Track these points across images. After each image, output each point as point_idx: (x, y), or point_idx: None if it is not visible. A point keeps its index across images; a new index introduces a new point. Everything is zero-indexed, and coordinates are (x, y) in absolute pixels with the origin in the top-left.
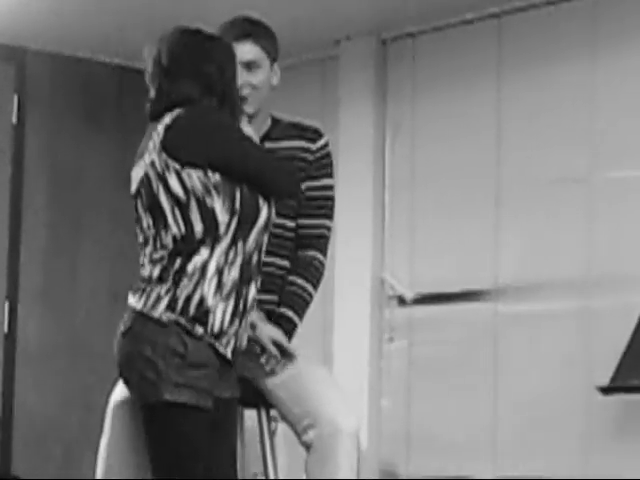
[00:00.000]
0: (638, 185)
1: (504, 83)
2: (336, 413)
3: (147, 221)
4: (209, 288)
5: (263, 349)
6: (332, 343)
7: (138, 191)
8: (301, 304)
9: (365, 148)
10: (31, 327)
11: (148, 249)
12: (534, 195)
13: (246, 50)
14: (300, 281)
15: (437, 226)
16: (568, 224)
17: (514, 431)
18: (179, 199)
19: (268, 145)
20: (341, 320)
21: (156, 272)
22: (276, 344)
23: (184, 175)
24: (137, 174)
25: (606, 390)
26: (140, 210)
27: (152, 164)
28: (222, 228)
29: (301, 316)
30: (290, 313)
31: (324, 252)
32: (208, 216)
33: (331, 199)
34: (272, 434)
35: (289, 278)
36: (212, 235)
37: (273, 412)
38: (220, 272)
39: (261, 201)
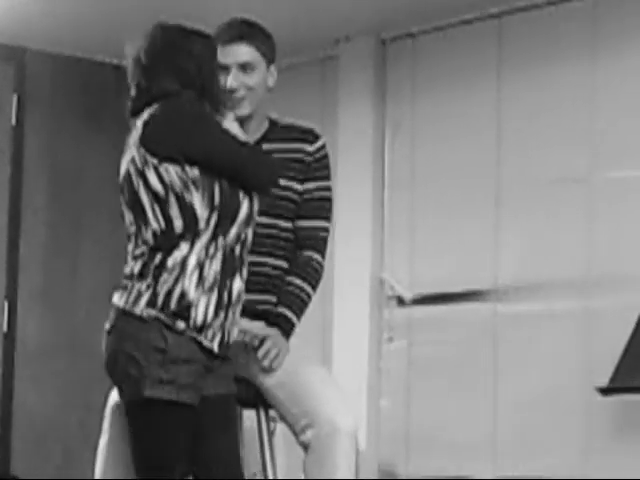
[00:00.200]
0: (638, 185)
1: (504, 83)
2: (334, 413)
3: (129, 217)
4: (190, 282)
5: (260, 343)
6: (331, 343)
7: (121, 188)
8: (299, 304)
9: (365, 148)
10: (31, 327)
11: (130, 246)
12: (534, 195)
13: (241, 52)
14: (298, 281)
15: (437, 226)
16: (568, 224)
17: (514, 431)
18: (158, 195)
19: (265, 147)
20: (340, 320)
21: (137, 268)
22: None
23: (162, 170)
24: (122, 171)
25: (605, 391)
26: (123, 206)
27: (132, 160)
28: (202, 223)
29: (299, 316)
30: (288, 313)
31: (322, 253)
32: (187, 211)
33: (329, 200)
34: (271, 434)
35: (287, 279)
36: (192, 230)
37: (272, 412)
38: (201, 266)
39: (242, 195)
